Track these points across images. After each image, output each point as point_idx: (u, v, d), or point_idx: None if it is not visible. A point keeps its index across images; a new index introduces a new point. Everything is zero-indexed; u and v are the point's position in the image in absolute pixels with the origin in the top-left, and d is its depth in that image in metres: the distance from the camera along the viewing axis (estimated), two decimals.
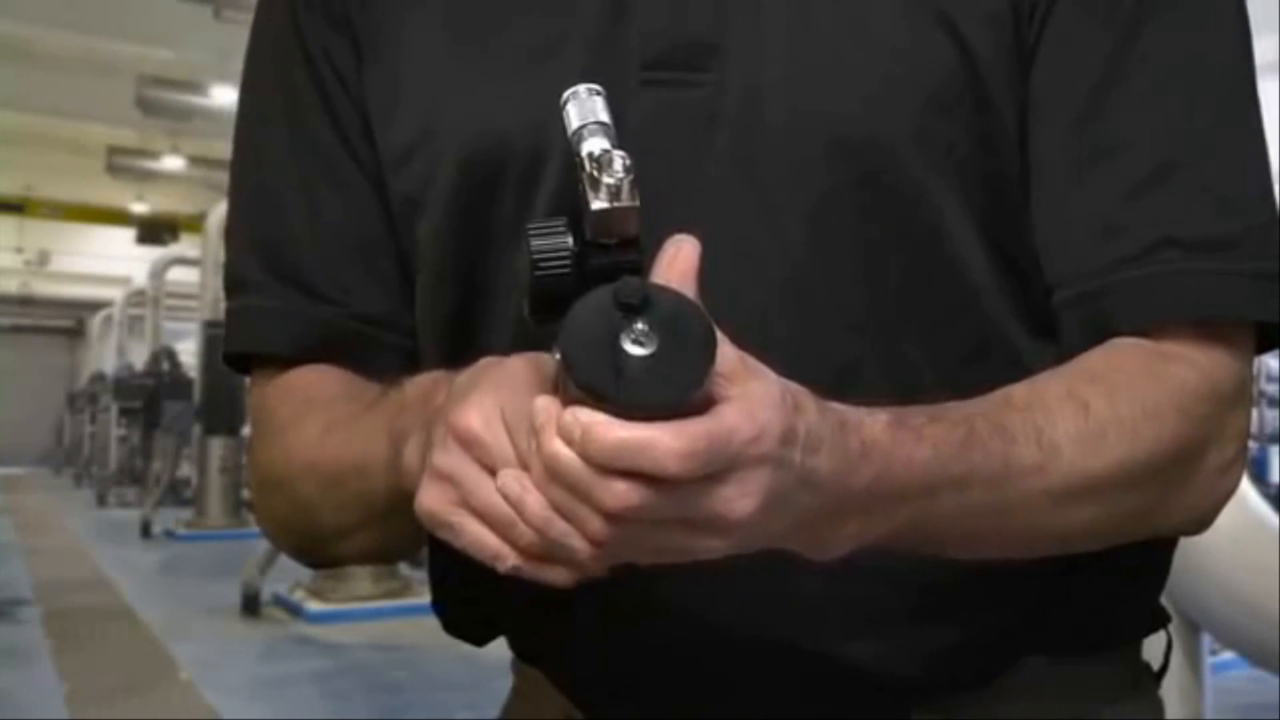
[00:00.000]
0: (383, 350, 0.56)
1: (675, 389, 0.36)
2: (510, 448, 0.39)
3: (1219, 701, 2.39)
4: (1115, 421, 0.47)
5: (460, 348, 0.53)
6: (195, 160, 10.27)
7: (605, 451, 0.36)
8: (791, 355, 0.43)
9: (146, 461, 9.46)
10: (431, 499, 0.41)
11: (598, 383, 0.36)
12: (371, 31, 0.56)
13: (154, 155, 10.50)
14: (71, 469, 13.37)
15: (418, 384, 0.49)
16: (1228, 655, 2.58)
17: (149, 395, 9.24)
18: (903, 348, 0.50)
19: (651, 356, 0.36)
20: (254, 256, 0.58)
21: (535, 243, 0.39)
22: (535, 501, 0.38)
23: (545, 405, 0.37)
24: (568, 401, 0.37)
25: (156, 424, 8.96)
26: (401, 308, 0.56)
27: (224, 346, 0.58)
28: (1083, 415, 0.47)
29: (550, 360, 0.39)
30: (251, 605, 4.84)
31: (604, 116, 0.40)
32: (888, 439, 0.42)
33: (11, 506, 9.61)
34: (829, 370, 0.47)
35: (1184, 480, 0.49)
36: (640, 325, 0.36)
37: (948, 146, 0.49)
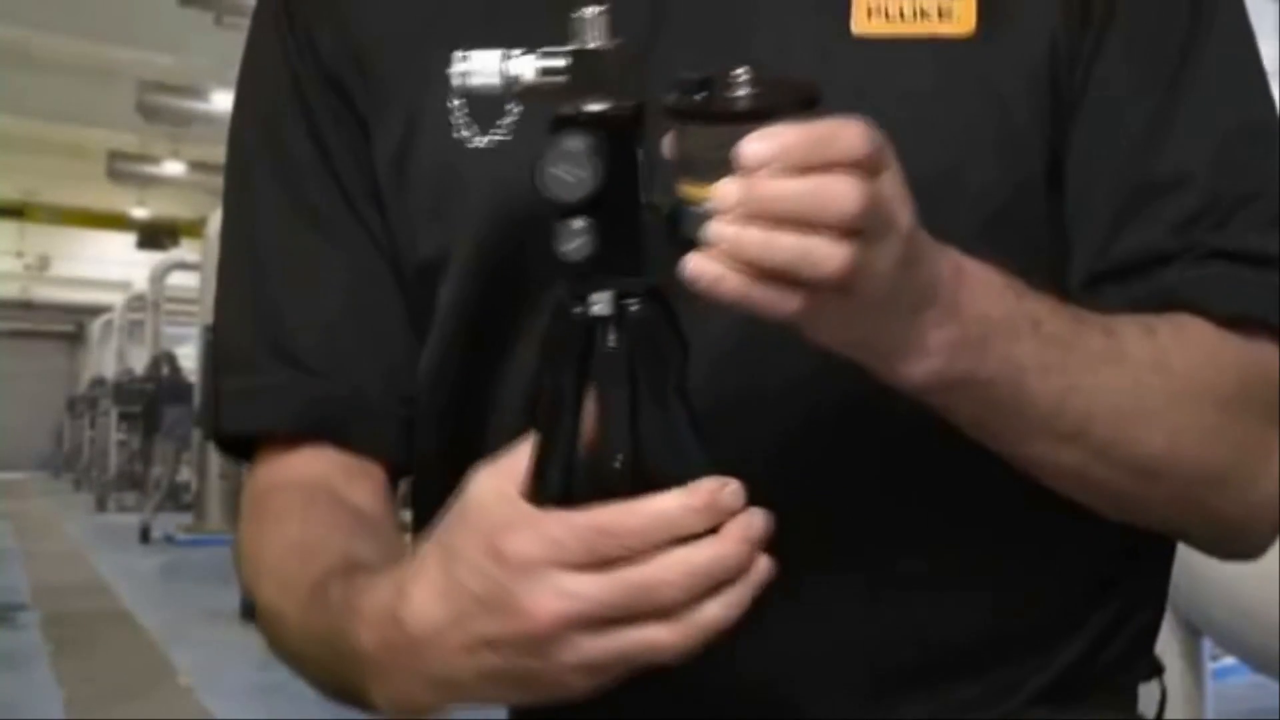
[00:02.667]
0: (382, 422, 0.55)
1: (811, 83, 0.38)
2: (492, 573, 0.38)
3: (1220, 708, 2.39)
4: (1179, 349, 0.47)
5: (468, 413, 0.52)
6: (196, 165, 10.28)
7: (808, 149, 0.37)
8: (802, 388, 0.44)
9: (146, 466, 9.45)
10: (484, 688, 0.40)
11: (761, 100, 0.37)
12: (373, 91, 0.54)
13: (155, 160, 10.51)
14: (71, 474, 13.35)
15: (340, 595, 0.46)
16: (1229, 661, 2.57)
17: (149, 400, 9.24)
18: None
19: (759, 85, 0.37)
20: (248, 331, 0.56)
21: (596, 163, 0.38)
22: (751, 234, 0.37)
23: (724, 186, 0.37)
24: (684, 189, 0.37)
25: (156, 429, 8.95)
26: (403, 377, 0.55)
27: (216, 427, 0.57)
28: (1149, 336, 0.47)
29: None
30: (251, 610, 4.81)
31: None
32: (958, 255, 0.43)
33: (11, 511, 9.60)
34: (837, 400, 0.47)
35: (1250, 473, 0.48)
36: (738, 74, 0.37)
37: (979, 196, 0.49)
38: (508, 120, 0.45)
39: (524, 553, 0.38)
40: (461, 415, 0.53)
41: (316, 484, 0.54)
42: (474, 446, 0.52)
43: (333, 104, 0.55)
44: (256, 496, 0.56)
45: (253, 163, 0.58)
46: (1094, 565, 0.52)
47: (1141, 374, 0.46)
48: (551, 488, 0.39)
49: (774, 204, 0.37)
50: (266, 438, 0.56)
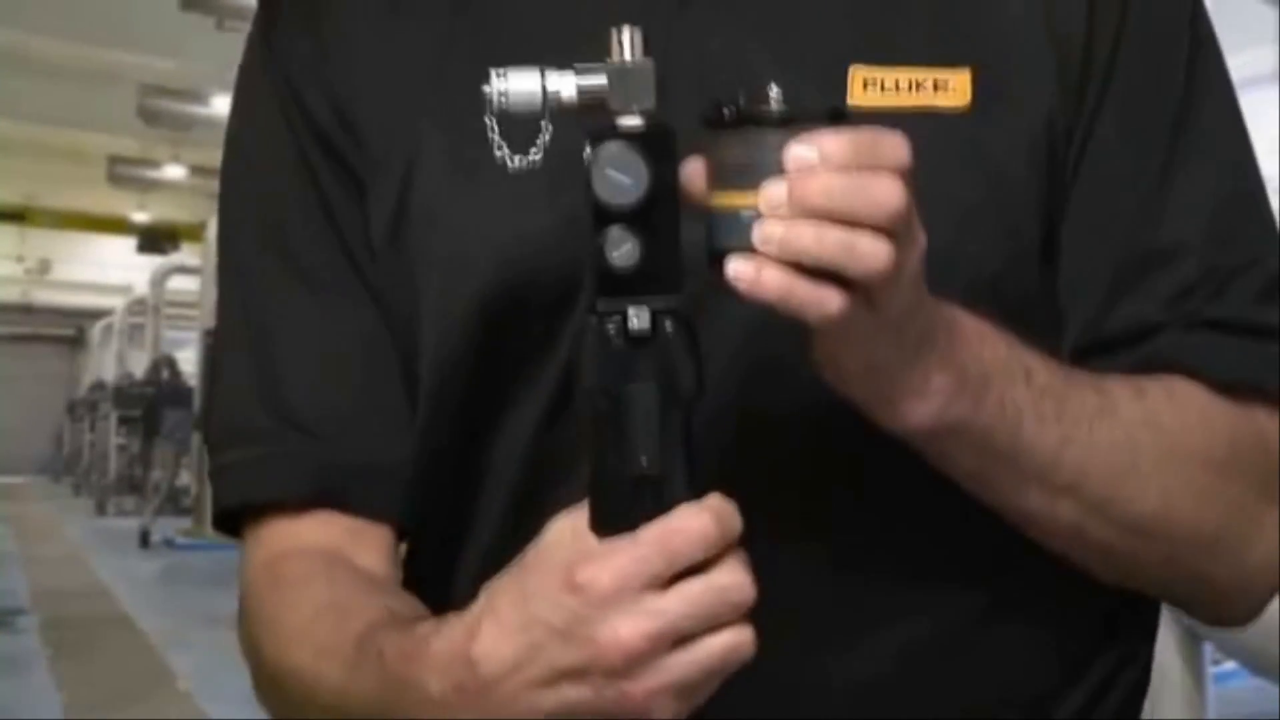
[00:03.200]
0: (390, 485, 0.53)
1: (837, 105, 0.41)
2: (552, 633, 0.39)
3: (1221, 711, 2.38)
4: (1170, 409, 0.48)
5: (460, 475, 0.52)
6: (196, 169, 10.28)
7: (851, 153, 0.38)
8: (796, 446, 0.45)
9: (146, 470, 9.45)
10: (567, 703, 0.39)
11: (804, 111, 0.39)
12: (364, 153, 0.53)
13: (155, 164, 10.51)
14: (70, 477, 13.34)
15: (393, 655, 0.45)
16: (1229, 665, 2.57)
17: (149, 403, 9.24)
18: (900, 460, 0.47)
19: (788, 102, 0.39)
20: (251, 401, 0.54)
21: (649, 166, 0.39)
22: (800, 229, 0.38)
23: (770, 187, 0.39)
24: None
25: (156, 432, 8.95)
26: (408, 438, 0.53)
27: (218, 501, 0.55)
28: (1139, 396, 0.47)
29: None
30: None
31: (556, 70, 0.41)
32: (951, 307, 0.44)
33: (10, 515, 9.59)
34: (834, 452, 0.47)
35: (1242, 538, 0.48)
36: (769, 91, 0.39)
37: (973, 267, 0.49)
38: (538, 142, 0.45)
39: (602, 581, 0.39)
40: (454, 478, 0.52)
41: (330, 550, 0.53)
42: (467, 508, 0.52)
43: (330, 163, 0.54)
44: (267, 564, 0.54)
45: (247, 226, 0.57)
46: (1091, 619, 0.52)
47: (1133, 430, 0.47)
48: (608, 511, 0.40)
49: (822, 197, 0.38)
50: (272, 506, 0.54)
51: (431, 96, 0.52)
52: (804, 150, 0.38)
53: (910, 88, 0.49)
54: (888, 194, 0.38)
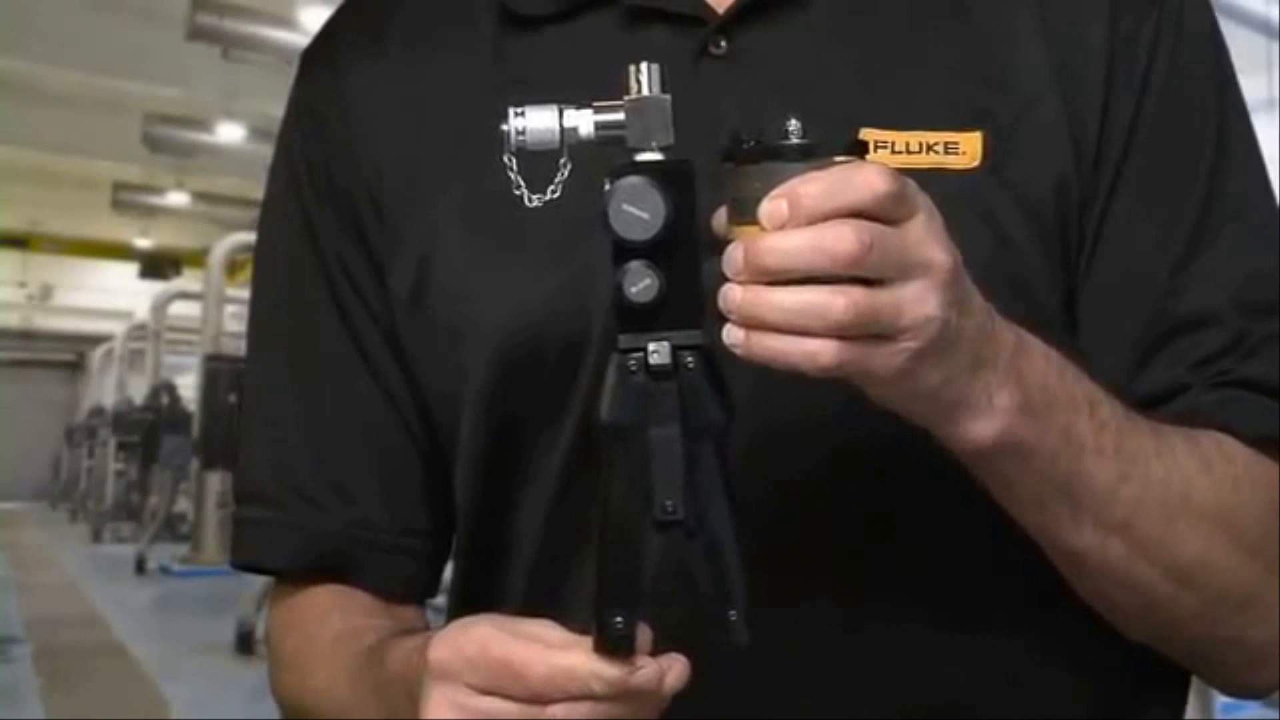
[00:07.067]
0: (394, 558, 0.56)
1: (852, 132, 0.40)
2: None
3: None
4: (1220, 460, 0.48)
5: (488, 539, 0.54)
6: (199, 196, 10.35)
7: (820, 196, 0.37)
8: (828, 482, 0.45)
9: (143, 496, 9.40)
10: None
11: (822, 144, 0.38)
12: (390, 236, 0.55)
13: (159, 191, 10.58)
14: (67, 504, 13.29)
15: (396, 657, 0.48)
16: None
17: (147, 429, 9.21)
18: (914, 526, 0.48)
19: (807, 137, 0.39)
20: (263, 469, 0.58)
21: (666, 201, 0.39)
22: (753, 297, 0.38)
23: (733, 249, 0.38)
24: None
25: (154, 458, 8.92)
26: (418, 512, 0.56)
27: (231, 556, 0.59)
28: (1193, 441, 0.47)
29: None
30: (245, 643, 4.78)
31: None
32: (1020, 330, 0.44)
33: (6, 542, 9.54)
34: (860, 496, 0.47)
35: (1276, 600, 0.48)
36: (792, 124, 0.39)
37: None
38: (557, 180, 0.45)
39: (437, 657, 0.42)
40: (482, 550, 0.54)
41: (348, 591, 0.56)
42: (494, 577, 0.54)
43: (352, 245, 0.56)
44: (288, 610, 0.58)
45: (272, 296, 0.60)
46: (1123, 685, 0.51)
47: (1187, 475, 0.47)
48: (620, 559, 0.40)
49: (772, 259, 0.38)
50: (280, 570, 0.59)
51: (451, 162, 0.53)
52: (773, 206, 0.38)
53: (921, 149, 0.49)
54: (838, 242, 0.37)
